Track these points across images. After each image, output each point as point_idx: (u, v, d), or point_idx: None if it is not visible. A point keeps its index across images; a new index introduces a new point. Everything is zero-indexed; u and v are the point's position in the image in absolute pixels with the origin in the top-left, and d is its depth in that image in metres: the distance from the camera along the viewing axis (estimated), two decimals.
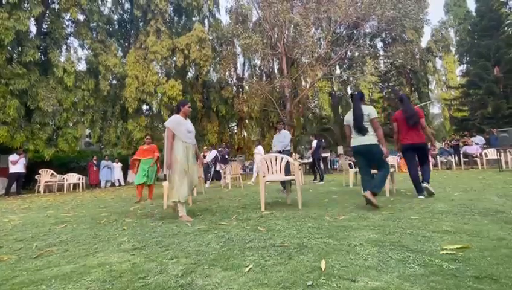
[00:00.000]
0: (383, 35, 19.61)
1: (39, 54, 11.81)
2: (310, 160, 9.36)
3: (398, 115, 4.30)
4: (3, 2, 10.93)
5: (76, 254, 2.16)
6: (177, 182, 3.35)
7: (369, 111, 3.47)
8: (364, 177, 3.58)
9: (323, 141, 12.72)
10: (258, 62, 20.96)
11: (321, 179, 8.49)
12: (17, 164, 9.67)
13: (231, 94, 19.14)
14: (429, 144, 4.43)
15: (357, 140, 3.50)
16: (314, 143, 8.84)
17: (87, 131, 15.67)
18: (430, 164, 11.06)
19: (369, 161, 3.54)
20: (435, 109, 34.28)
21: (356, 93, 3.68)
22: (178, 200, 3.35)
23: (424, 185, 4.04)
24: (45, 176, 10.61)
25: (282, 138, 6.21)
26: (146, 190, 6.13)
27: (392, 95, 20.40)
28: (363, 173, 3.60)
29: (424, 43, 24.54)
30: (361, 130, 3.43)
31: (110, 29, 16.29)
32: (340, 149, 20.97)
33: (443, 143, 13.84)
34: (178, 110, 3.66)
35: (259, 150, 9.79)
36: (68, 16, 13.21)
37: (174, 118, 3.53)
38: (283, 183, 5.28)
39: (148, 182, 5.91)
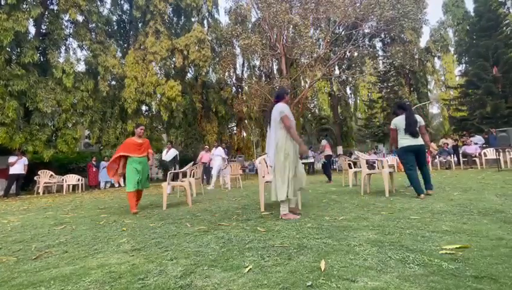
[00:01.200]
0: (382, 36, 19.62)
1: (38, 54, 11.78)
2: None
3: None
4: (2, 3, 10.92)
5: (76, 255, 2.15)
6: (286, 178, 3.03)
7: (420, 119, 4.17)
8: (414, 173, 4.13)
9: None
10: (257, 63, 20.99)
11: None
12: (16, 165, 9.65)
13: (230, 95, 19.15)
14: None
15: (410, 140, 4.13)
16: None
17: (87, 132, 15.63)
18: (430, 164, 11.14)
19: (417, 157, 4.17)
20: (434, 109, 34.47)
21: (408, 103, 4.08)
22: (285, 197, 3.01)
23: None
24: (44, 177, 10.58)
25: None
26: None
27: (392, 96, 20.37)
28: (412, 168, 4.15)
29: (423, 43, 24.67)
30: (415, 134, 4.09)
31: (109, 30, 16.26)
32: (340, 149, 21.00)
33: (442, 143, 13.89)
34: (279, 99, 3.32)
35: (219, 152, 9.05)
36: (67, 17, 13.18)
37: (284, 106, 3.19)
38: None
39: (141, 187, 4.50)
